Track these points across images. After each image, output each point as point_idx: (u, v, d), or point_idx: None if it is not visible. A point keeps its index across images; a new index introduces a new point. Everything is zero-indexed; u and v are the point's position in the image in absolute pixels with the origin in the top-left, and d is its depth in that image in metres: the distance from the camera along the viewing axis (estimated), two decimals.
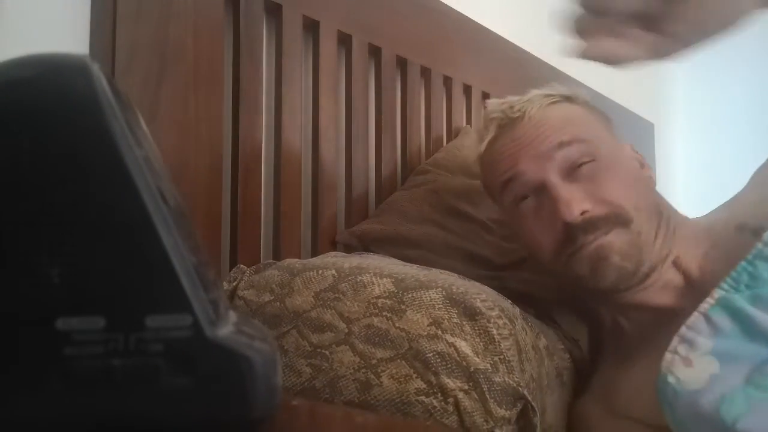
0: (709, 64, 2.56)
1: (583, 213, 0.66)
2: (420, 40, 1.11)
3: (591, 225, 0.66)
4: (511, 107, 0.76)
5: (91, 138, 0.24)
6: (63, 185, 0.24)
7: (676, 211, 0.74)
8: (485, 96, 1.28)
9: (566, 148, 0.70)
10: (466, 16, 1.24)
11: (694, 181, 2.41)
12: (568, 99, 0.77)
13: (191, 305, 0.24)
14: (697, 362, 0.54)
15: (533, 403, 0.56)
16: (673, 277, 0.68)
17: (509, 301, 0.63)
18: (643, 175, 0.75)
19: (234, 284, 0.70)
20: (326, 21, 0.92)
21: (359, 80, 0.98)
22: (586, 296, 0.77)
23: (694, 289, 0.66)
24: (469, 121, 1.25)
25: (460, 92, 1.22)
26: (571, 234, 0.66)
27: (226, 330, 0.25)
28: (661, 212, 0.70)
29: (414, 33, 1.10)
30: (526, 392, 0.56)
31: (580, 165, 0.69)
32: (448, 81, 1.19)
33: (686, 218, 0.75)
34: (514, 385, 0.55)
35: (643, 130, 2.11)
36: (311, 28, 0.91)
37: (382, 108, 1.03)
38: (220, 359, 0.24)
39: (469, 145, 1.03)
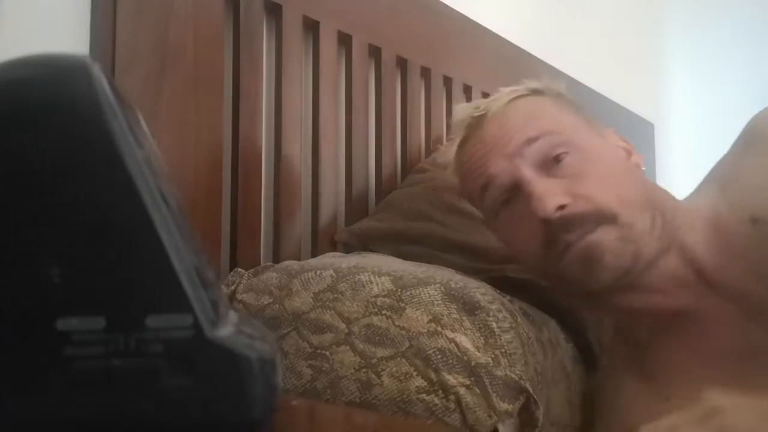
0: (709, 64, 2.56)
1: (560, 208, 0.61)
2: (420, 40, 1.11)
3: (570, 222, 0.61)
4: (477, 107, 0.73)
5: (91, 138, 0.24)
6: (63, 185, 0.24)
7: (672, 198, 0.69)
8: (485, 96, 1.28)
9: (535, 143, 0.65)
10: (466, 16, 1.24)
11: (694, 181, 2.40)
12: (535, 92, 0.73)
13: (191, 305, 0.24)
14: None
15: (535, 396, 0.56)
16: (683, 271, 0.63)
17: (508, 297, 0.63)
18: (630, 164, 0.70)
19: (232, 288, 0.70)
20: (326, 21, 0.92)
21: (359, 80, 0.98)
22: (586, 302, 0.73)
23: (713, 288, 0.61)
24: None
25: (460, 92, 1.22)
26: (552, 232, 0.61)
27: (226, 330, 0.25)
28: (654, 201, 0.65)
29: (414, 33, 1.10)
30: (528, 385, 0.56)
31: (557, 157, 0.64)
32: (448, 81, 1.19)
33: (683, 204, 0.69)
34: (516, 378, 0.55)
35: (643, 130, 2.11)
36: (311, 28, 0.91)
37: (382, 108, 1.03)
38: (220, 359, 0.24)
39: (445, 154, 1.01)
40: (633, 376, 0.66)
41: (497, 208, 0.68)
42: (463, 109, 0.74)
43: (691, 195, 0.73)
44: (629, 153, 0.71)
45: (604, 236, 0.60)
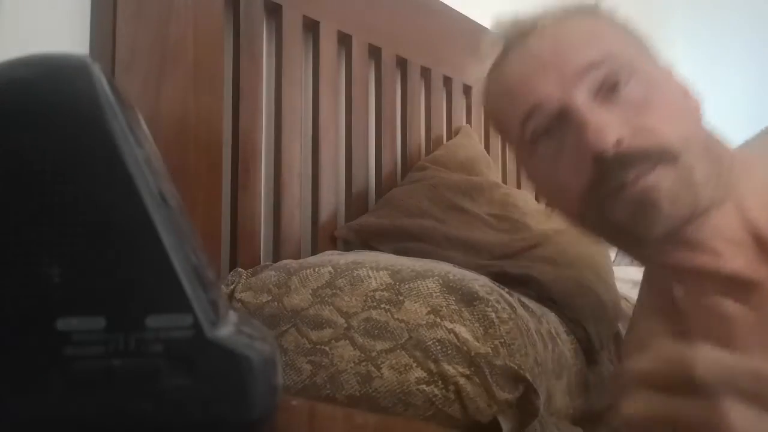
0: (709, 64, 2.56)
1: (617, 142, 0.52)
2: (420, 40, 1.11)
3: (628, 158, 0.52)
4: (520, 18, 0.62)
5: (91, 138, 0.24)
6: (63, 185, 0.24)
7: (729, 146, 0.61)
8: None
9: (596, 70, 0.55)
10: (466, 16, 1.24)
11: None
12: (591, 12, 0.63)
13: (191, 305, 0.24)
14: None
15: (535, 386, 0.56)
16: (737, 230, 0.55)
17: (507, 289, 0.63)
18: (689, 104, 0.60)
19: (231, 287, 0.70)
20: (326, 21, 0.92)
21: (359, 80, 0.98)
22: (625, 249, 0.65)
23: None
24: (469, 120, 1.25)
25: (460, 92, 1.22)
26: (604, 169, 0.53)
27: (226, 330, 0.25)
28: (712, 146, 0.57)
29: (414, 33, 1.10)
30: (527, 375, 0.56)
31: (616, 85, 0.55)
32: (448, 81, 1.19)
33: (743, 154, 0.61)
34: (516, 368, 0.55)
35: None
36: (311, 28, 0.91)
37: (382, 108, 1.03)
38: (220, 359, 0.24)
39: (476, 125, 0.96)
40: (666, 330, 0.59)
41: (536, 137, 0.58)
42: (502, 21, 0.63)
43: (749, 144, 0.64)
44: (686, 94, 0.62)
45: (662, 179, 0.53)
